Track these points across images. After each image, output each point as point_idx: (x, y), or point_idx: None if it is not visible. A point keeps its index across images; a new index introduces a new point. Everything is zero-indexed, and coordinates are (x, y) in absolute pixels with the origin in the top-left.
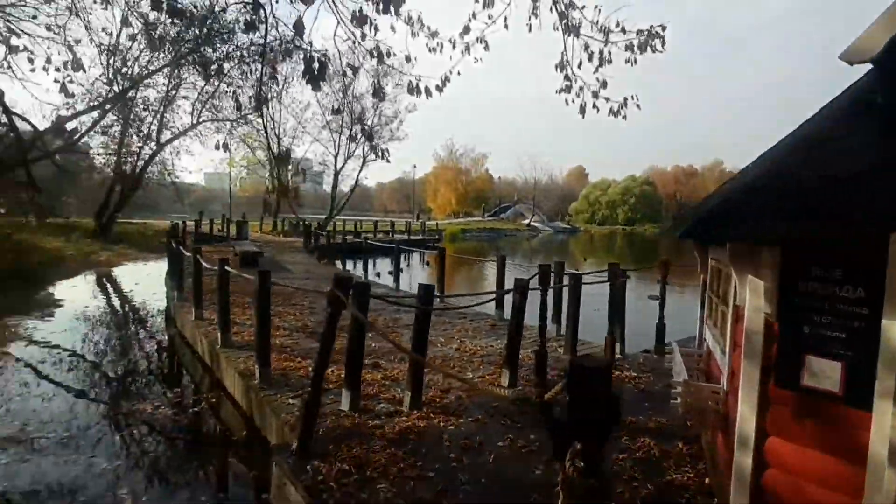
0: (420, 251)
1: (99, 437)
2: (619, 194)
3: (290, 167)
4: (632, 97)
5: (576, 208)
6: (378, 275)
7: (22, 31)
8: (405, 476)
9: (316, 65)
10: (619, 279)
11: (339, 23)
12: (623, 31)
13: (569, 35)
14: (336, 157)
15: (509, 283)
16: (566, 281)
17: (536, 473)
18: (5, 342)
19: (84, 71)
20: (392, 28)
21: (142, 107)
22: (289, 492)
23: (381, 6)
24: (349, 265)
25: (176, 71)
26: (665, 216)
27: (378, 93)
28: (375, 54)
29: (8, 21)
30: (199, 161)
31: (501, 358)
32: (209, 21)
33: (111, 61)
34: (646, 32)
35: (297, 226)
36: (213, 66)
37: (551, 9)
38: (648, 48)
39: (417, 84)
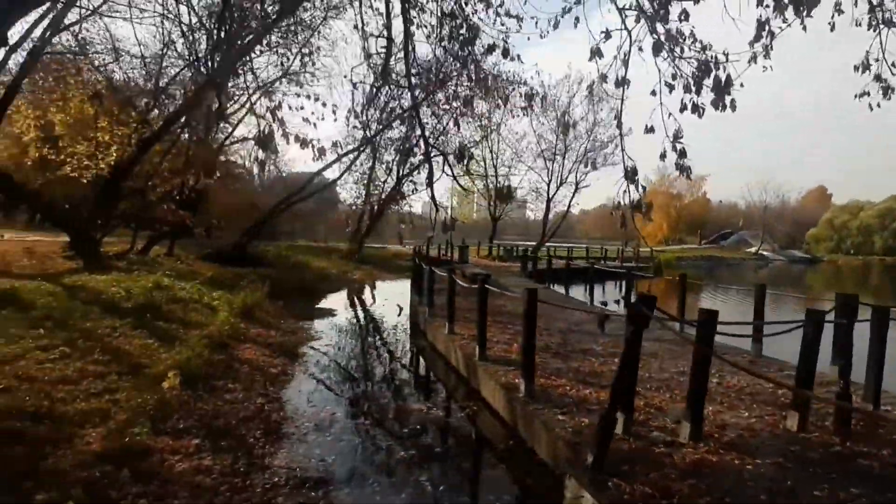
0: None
1: (364, 429)
2: (877, 218)
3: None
4: None
5: (815, 235)
6: (604, 303)
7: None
8: None
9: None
10: None
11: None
12: None
13: (879, 29)
14: (549, 185)
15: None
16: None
17: None
18: (303, 342)
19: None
20: (655, 48)
21: (385, 146)
22: None
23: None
24: (563, 289)
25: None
26: None
27: (696, 109)
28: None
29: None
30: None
31: (776, 398)
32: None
33: (364, 110)
34: None
35: (511, 251)
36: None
37: (856, 2)
38: None
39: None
